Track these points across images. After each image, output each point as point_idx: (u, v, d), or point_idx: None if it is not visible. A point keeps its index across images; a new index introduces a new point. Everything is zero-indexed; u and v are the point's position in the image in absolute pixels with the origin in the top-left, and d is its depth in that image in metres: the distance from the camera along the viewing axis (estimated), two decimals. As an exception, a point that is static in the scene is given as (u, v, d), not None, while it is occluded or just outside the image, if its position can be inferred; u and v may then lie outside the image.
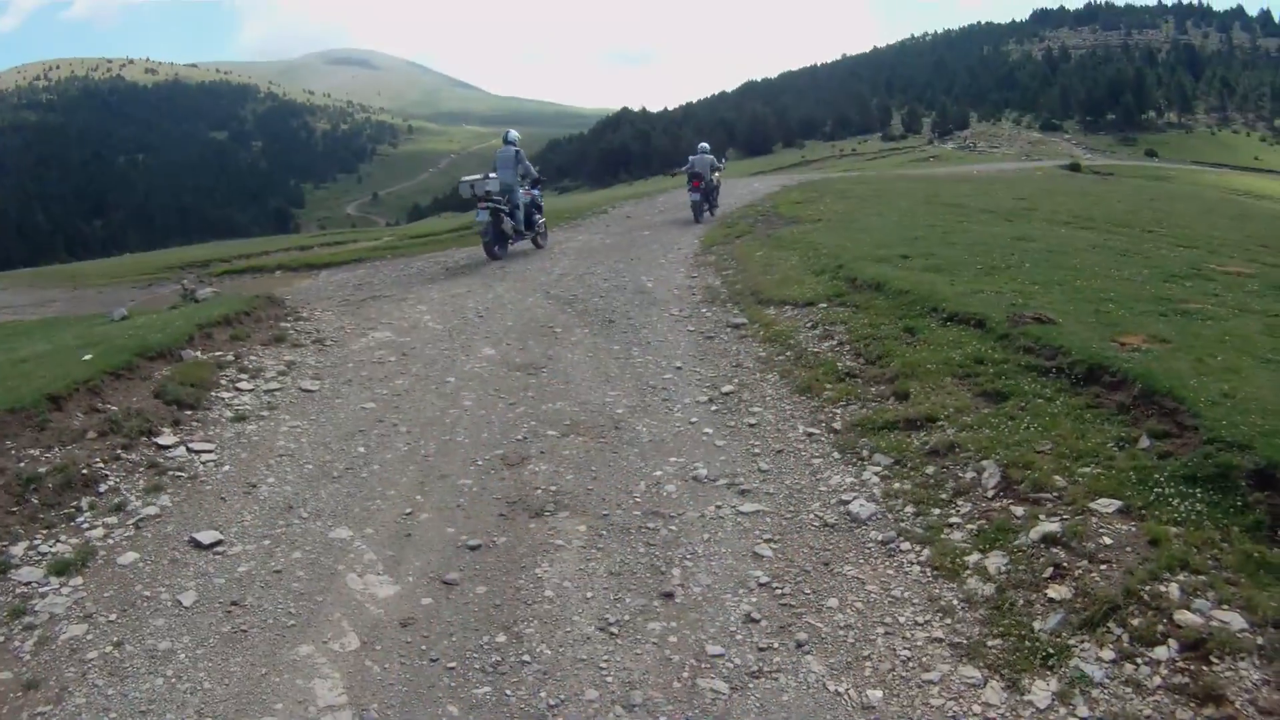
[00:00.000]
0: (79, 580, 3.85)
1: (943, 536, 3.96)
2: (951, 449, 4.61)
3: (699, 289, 9.83)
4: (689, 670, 3.27)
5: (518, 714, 3.07)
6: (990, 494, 4.15)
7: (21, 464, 4.54)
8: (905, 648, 3.32)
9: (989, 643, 3.25)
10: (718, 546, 4.13)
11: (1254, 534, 3.36)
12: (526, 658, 3.36)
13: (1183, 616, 3.02)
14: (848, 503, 4.43)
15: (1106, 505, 3.73)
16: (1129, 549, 3.44)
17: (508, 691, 3.18)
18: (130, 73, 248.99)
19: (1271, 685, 2.74)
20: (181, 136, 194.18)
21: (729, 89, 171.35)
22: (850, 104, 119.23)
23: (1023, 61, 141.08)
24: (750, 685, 3.18)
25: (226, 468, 5.04)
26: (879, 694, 3.09)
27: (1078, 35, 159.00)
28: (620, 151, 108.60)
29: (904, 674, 3.18)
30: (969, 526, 3.98)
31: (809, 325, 7.45)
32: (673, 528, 4.32)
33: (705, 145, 17.53)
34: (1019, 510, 3.92)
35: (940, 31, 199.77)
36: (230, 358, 6.81)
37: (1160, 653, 2.95)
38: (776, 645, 3.39)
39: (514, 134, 13.71)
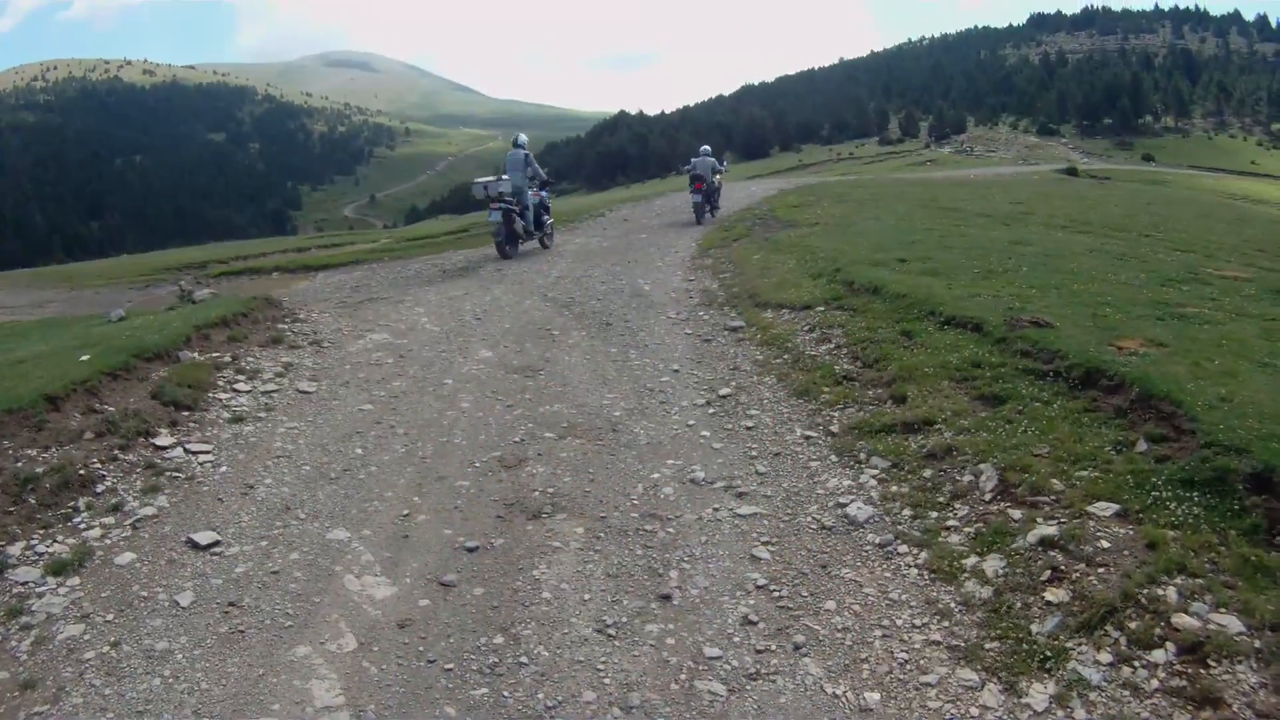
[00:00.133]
0: (76, 580, 3.84)
1: (940, 539, 3.97)
2: (949, 452, 4.62)
3: (696, 292, 9.84)
4: (686, 672, 3.27)
5: (515, 715, 3.07)
6: (988, 497, 4.15)
7: (19, 464, 4.53)
8: (903, 650, 3.32)
9: (987, 645, 3.25)
10: (715, 549, 4.13)
11: (1251, 537, 3.37)
12: (524, 659, 3.36)
13: (1180, 620, 3.03)
14: (845, 505, 4.44)
15: (1104, 509, 3.74)
16: (1126, 552, 3.45)
17: (505, 693, 3.17)
18: (128, 74, 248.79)
19: (1269, 688, 2.74)
20: (179, 138, 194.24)
21: (726, 92, 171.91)
22: (847, 108, 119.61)
23: (1020, 66, 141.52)
24: (748, 687, 3.18)
25: (224, 469, 5.03)
26: (876, 696, 3.09)
27: (1074, 40, 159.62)
28: (617, 154, 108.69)
29: (901, 676, 3.19)
30: (966, 529, 3.98)
31: (806, 328, 7.45)
32: (670, 530, 4.32)
33: (707, 148, 17.89)
34: (1016, 513, 3.93)
35: (937, 36, 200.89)
36: (228, 359, 6.80)
37: (1158, 656, 2.95)
38: (774, 647, 3.39)
39: (523, 138, 14.20)
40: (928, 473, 4.55)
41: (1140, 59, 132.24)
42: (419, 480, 4.94)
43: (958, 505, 4.20)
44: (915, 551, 3.95)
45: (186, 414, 5.65)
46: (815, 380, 6.16)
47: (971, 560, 3.74)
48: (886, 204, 18.17)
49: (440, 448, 5.41)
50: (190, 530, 4.27)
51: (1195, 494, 3.67)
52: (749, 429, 5.58)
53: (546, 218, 14.25)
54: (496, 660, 3.35)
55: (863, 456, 4.93)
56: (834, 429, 5.40)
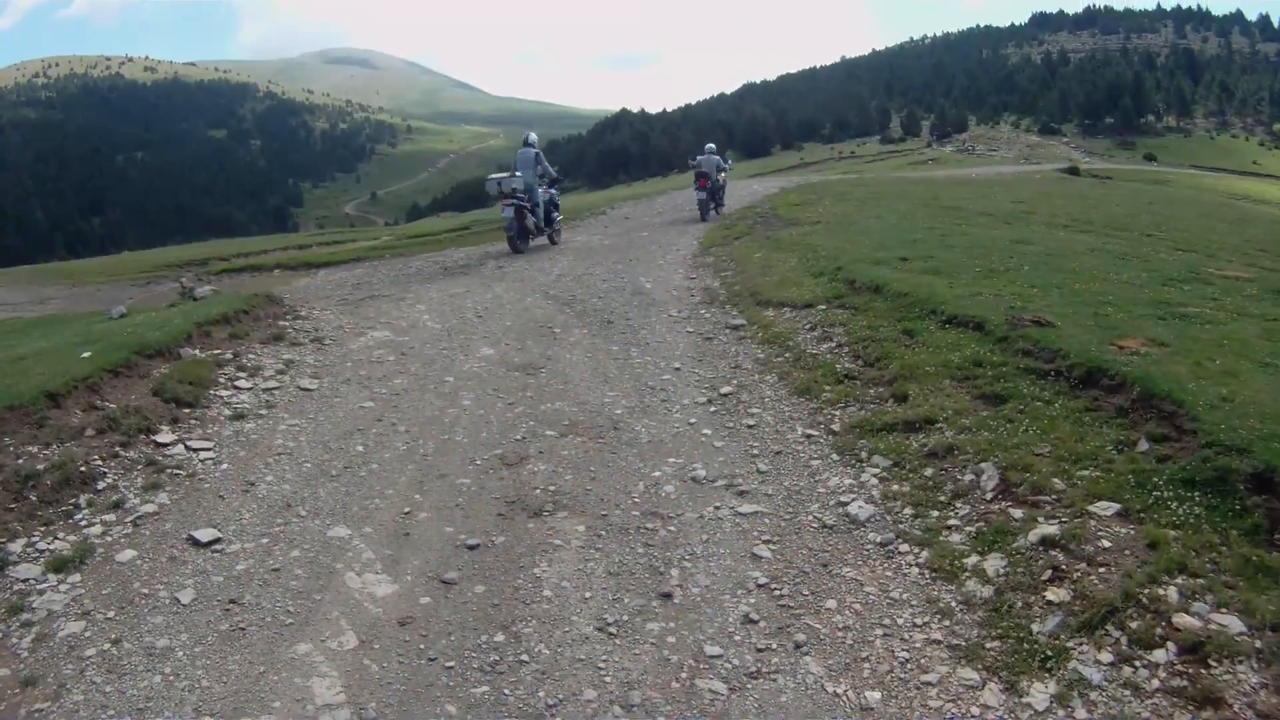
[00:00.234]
0: (77, 577, 3.84)
1: (941, 538, 3.97)
2: (950, 451, 4.62)
3: (698, 290, 9.83)
4: (687, 671, 3.27)
5: (516, 713, 3.07)
6: (989, 496, 4.15)
7: (20, 461, 4.53)
8: (904, 649, 3.32)
9: (987, 645, 3.25)
10: (716, 547, 4.14)
11: (1252, 537, 3.37)
12: (525, 657, 3.36)
13: (1181, 619, 3.03)
14: (846, 504, 4.44)
15: (1105, 508, 3.73)
16: (1128, 552, 3.45)
17: (506, 691, 3.18)
18: (129, 70, 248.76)
19: (1270, 688, 2.74)
20: (180, 135, 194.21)
21: (728, 91, 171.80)
22: (849, 106, 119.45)
23: (1021, 65, 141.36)
24: (748, 686, 3.18)
25: (225, 466, 5.03)
26: (877, 695, 3.09)
27: (1077, 39, 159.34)
28: (619, 153, 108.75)
29: (902, 675, 3.19)
30: (967, 529, 3.98)
31: (808, 327, 7.45)
32: (671, 528, 4.32)
33: (712, 146, 18.28)
34: (1017, 513, 3.93)
35: (939, 34, 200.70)
36: (229, 356, 6.80)
37: (1159, 655, 2.95)
38: (775, 646, 3.39)
39: (533, 136, 14.73)
40: (929, 471, 4.55)
41: (1142, 58, 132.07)
42: (420, 478, 4.94)
43: (959, 504, 4.20)
44: (916, 550, 3.95)
45: (188, 411, 5.65)
46: (817, 379, 6.16)
47: (973, 559, 3.74)
48: (888, 202, 18.17)
49: (441, 445, 5.41)
50: (191, 527, 4.27)
51: (1196, 494, 3.67)
52: (750, 427, 5.58)
53: (556, 214, 14.63)
54: (497, 658, 3.36)
55: (864, 455, 4.93)
56: (835, 427, 5.40)
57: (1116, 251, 10.97)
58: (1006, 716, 2.92)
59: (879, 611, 3.58)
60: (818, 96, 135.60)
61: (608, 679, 3.23)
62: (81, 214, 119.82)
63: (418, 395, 6.33)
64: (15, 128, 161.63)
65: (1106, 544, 3.52)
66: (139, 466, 4.86)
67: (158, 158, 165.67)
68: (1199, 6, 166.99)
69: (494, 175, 13.77)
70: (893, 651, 3.32)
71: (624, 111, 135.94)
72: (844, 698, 3.10)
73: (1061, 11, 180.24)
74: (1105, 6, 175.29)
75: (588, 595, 3.78)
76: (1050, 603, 3.32)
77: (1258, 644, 2.88)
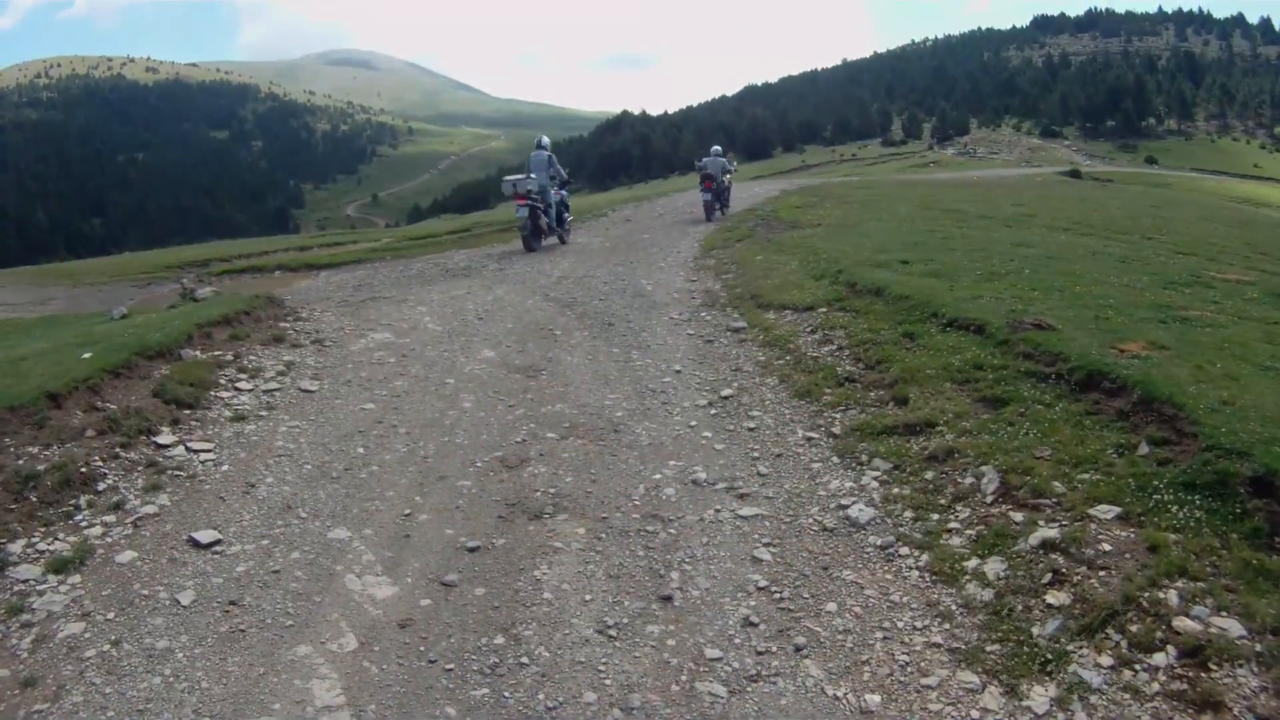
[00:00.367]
0: (77, 578, 3.84)
1: (942, 542, 3.97)
2: (951, 454, 4.62)
3: (698, 292, 9.83)
4: (687, 674, 3.27)
5: (515, 716, 3.07)
6: (989, 500, 4.15)
7: (20, 461, 4.53)
8: (904, 652, 3.32)
9: (988, 648, 3.25)
10: (716, 550, 4.13)
11: (1253, 541, 3.37)
12: (525, 660, 3.36)
13: (1181, 623, 3.03)
14: (847, 507, 4.44)
15: (1106, 511, 3.73)
16: (1128, 555, 3.45)
17: (506, 693, 3.17)
18: (131, 71, 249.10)
19: (1270, 692, 2.74)
20: (182, 136, 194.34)
21: (729, 93, 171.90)
22: (850, 109, 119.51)
23: (1023, 68, 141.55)
24: (748, 689, 3.18)
25: (225, 467, 5.03)
26: (877, 698, 3.09)
27: (1078, 42, 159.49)
28: (620, 155, 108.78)
29: (902, 679, 3.19)
30: (968, 532, 3.98)
31: (809, 330, 7.45)
32: (671, 531, 4.32)
33: (717, 148, 18.58)
34: (1018, 516, 3.93)
35: (941, 37, 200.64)
36: (229, 357, 6.81)
37: (1159, 659, 2.95)
38: (775, 649, 3.39)
39: (546, 139, 15.00)
40: (929, 475, 4.55)
41: (1143, 61, 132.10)
42: (420, 480, 4.94)
43: (959, 507, 4.20)
44: (916, 554, 3.95)
45: (188, 412, 5.65)
46: (817, 382, 6.16)
47: (973, 563, 3.74)
48: (889, 205, 18.19)
49: (442, 447, 5.41)
50: (191, 529, 4.27)
51: (1197, 497, 3.67)
52: (751, 430, 5.58)
53: (566, 215, 15.10)
54: (497, 661, 3.35)
55: (864, 458, 4.93)
56: (836, 430, 5.40)
57: (1117, 254, 10.98)
58: (1006, 720, 2.92)
59: (879, 614, 3.58)
60: (819, 99, 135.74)
61: (607, 681, 3.23)
62: (83, 215, 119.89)
63: (418, 397, 6.34)
64: (17, 128, 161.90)
65: (1107, 547, 3.51)
66: (139, 468, 4.86)
67: (159, 158, 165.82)
68: (1200, 9, 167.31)
69: (509, 177, 14.17)
70: (893, 654, 3.32)
71: (625, 113, 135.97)
72: (844, 701, 3.10)
73: (1063, 14, 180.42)
74: (1106, 9, 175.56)
75: (588, 598, 3.78)
76: (1050, 606, 3.32)
77: (1258, 647, 2.88)
